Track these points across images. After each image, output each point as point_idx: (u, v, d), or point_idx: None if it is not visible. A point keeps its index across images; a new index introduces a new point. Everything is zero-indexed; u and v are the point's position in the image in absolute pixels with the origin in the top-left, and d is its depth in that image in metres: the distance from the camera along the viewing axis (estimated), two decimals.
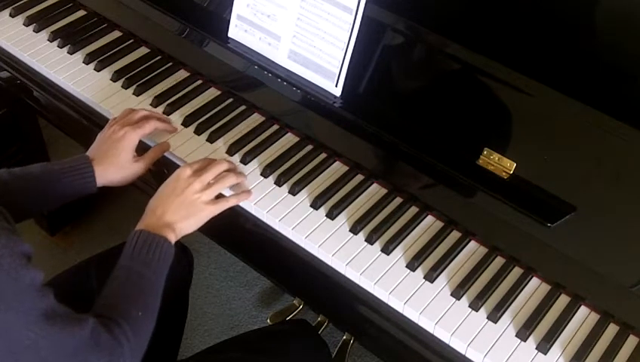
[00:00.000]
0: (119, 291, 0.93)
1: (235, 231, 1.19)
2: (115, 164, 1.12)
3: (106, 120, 1.25)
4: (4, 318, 0.75)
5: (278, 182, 1.14)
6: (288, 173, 1.16)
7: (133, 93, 1.30)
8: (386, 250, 1.06)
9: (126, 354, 0.86)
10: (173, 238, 1.01)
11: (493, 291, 1.02)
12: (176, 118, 1.26)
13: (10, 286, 0.75)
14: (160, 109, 1.27)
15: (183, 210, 1.04)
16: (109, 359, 0.84)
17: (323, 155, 1.20)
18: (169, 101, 1.28)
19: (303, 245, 1.08)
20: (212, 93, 1.31)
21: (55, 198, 1.10)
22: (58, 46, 1.39)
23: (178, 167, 1.13)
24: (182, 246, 1.28)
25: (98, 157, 1.12)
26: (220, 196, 1.10)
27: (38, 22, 1.43)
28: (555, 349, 0.96)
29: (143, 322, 0.92)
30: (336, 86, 1.18)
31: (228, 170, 1.12)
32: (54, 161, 1.11)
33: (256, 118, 1.26)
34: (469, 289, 1.02)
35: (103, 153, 1.13)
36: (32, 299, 0.77)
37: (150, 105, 1.28)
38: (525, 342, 0.97)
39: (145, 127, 1.16)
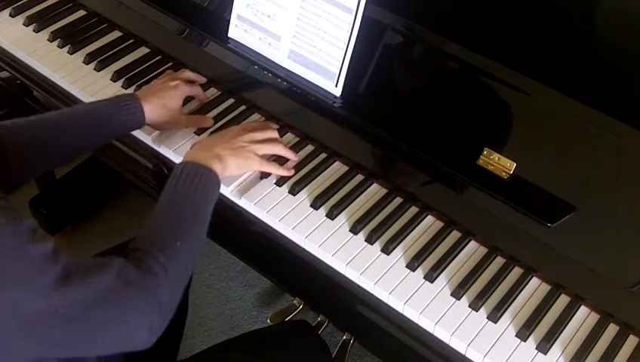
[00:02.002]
0: (157, 223, 0.92)
1: (235, 231, 1.19)
2: (163, 105, 1.16)
3: None
4: (13, 294, 0.73)
5: (278, 182, 1.14)
6: None
7: None
8: (386, 250, 1.06)
9: (163, 285, 0.85)
10: (219, 170, 1.01)
11: (493, 291, 1.02)
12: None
13: (16, 263, 0.74)
14: None
15: (234, 149, 1.06)
16: (144, 294, 0.82)
17: (323, 155, 1.20)
18: None
19: (303, 245, 1.08)
20: (212, 93, 1.31)
21: (104, 134, 1.13)
22: (58, 46, 1.39)
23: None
24: None
25: (148, 96, 1.16)
26: None
27: (38, 22, 1.43)
28: (555, 349, 0.96)
29: (182, 251, 0.89)
30: (336, 86, 1.18)
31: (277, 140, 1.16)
32: (99, 100, 1.14)
33: (256, 118, 1.26)
34: (469, 289, 1.02)
35: (153, 93, 1.17)
36: (43, 271, 0.75)
37: None
38: (525, 342, 0.97)
39: (194, 88, 1.24)
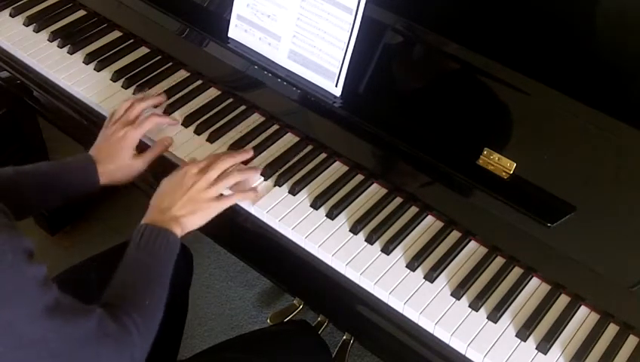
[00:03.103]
0: (127, 281, 0.94)
1: (235, 232, 1.19)
2: (116, 163, 1.14)
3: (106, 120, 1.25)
4: (9, 313, 0.75)
5: (278, 182, 1.14)
6: (288, 173, 1.16)
7: (133, 93, 1.30)
8: (386, 250, 1.06)
9: (136, 342, 0.86)
10: (179, 232, 1.02)
11: (493, 291, 1.02)
12: (176, 118, 1.26)
13: (14, 281, 0.75)
14: (160, 109, 1.27)
15: (189, 206, 1.05)
16: (120, 348, 0.84)
17: (323, 155, 1.20)
18: (169, 101, 1.28)
19: (303, 245, 1.08)
20: (212, 93, 1.31)
21: (58, 196, 1.11)
22: (58, 46, 1.39)
23: (177, 167, 1.13)
24: (182, 246, 1.27)
25: (100, 157, 1.14)
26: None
27: (38, 22, 1.43)
28: (555, 349, 0.96)
29: (152, 310, 0.92)
30: (336, 86, 1.18)
31: (233, 166, 1.13)
32: (58, 161, 1.12)
33: (256, 118, 1.26)
34: (469, 289, 1.02)
35: (104, 153, 1.14)
36: (36, 294, 0.77)
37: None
38: (525, 342, 0.97)
39: (144, 126, 1.18)
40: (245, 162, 1.17)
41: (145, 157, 1.17)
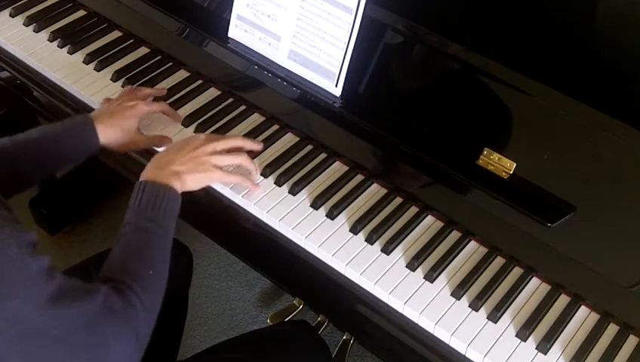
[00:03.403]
0: (127, 251, 0.92)
1: (235, 231, 1.19)
2: (118, 125, 1.13)
3: None
4: (13, 306, 0.75)
5: (278, 182, 1.14)
6: (288, 173, 1.16)
7: None
8: (386, 250, 1.06)
9: (140, 315, 0.85)
10: (178, 187, 0.99)
11: (493, 291, 1.02)
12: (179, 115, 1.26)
13: (19, 275, 0.75)
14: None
15: (191, 164, 1.03)
16: (124, 322, 0.83)
17: (323, 155, 1.20)
18: (169, 101, 1.28)
19: (303, 245, 1.08)
20: (212, 93, 1.31)
21: (59, 158, 1.09)
22: (58, 46, 1.39)
23: None
24: (181, 246, 1.28)
25: (102, 116, 1.13)
26: None
27: (38, 22, 1.43)
28: (555, 349, 0.96)
29: (154, 280, 0.90)
30: (336, 86, 1.18)
31: (242, 149, 1.13)
32: (53, 123, 1.11)
33: (256, 118, 1.26)
34: (469, 289, 1.02)
35: (108, 113, 1.14)
36: (40, 285, 0.77)
37: None
38: (525, 342, 0.97)
39: (154, 106, 1.20)
40: None
41: (146, 138, 1.18)
